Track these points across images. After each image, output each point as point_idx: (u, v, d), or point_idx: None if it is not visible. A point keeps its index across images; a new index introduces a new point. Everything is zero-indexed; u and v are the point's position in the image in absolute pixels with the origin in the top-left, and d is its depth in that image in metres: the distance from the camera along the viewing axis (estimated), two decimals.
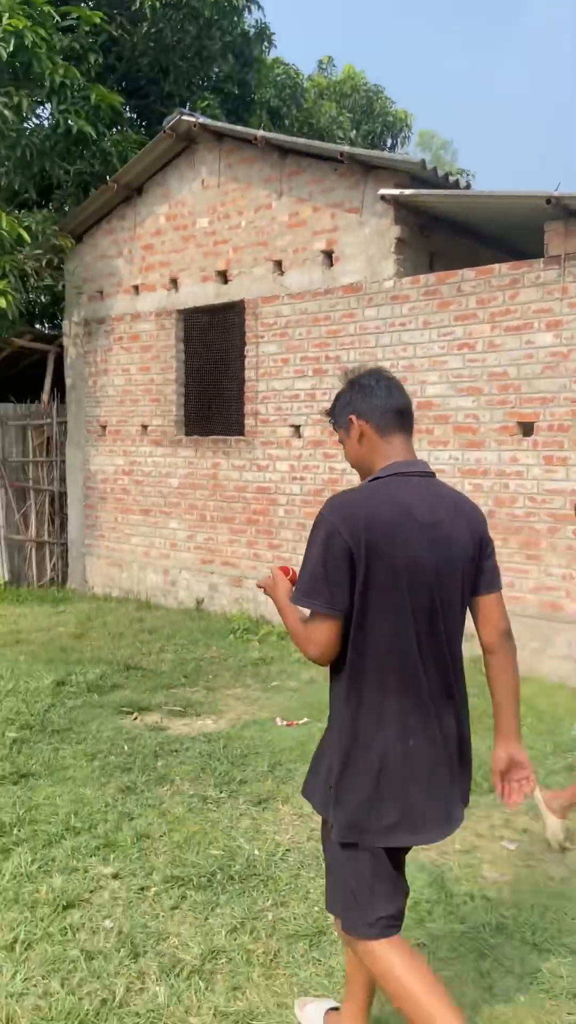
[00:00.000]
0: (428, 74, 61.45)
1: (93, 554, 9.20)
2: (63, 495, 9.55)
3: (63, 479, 9.52)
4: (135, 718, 5.05)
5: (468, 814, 3.74)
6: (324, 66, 17.12)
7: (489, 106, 60.93)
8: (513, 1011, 2.47)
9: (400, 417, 2.14)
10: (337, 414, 2.22)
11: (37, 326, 11.74)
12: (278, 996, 2.51)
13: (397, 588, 1.96)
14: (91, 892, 3.06)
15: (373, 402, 2.13)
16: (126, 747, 4.49)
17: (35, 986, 2.53)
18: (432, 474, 2.13)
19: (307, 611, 2.03)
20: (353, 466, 2.22)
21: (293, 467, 7.21)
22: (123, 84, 11.25)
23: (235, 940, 2.78)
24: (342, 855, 2.04)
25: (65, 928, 2.84)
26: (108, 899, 3.03)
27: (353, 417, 2.14)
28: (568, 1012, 2.47)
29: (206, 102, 10.69)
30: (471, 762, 2.15)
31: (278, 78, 13.21)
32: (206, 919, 2.91)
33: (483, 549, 2.09)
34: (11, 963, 2.63)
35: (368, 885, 2.01)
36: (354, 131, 15.31)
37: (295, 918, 2.90)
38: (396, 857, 2.08)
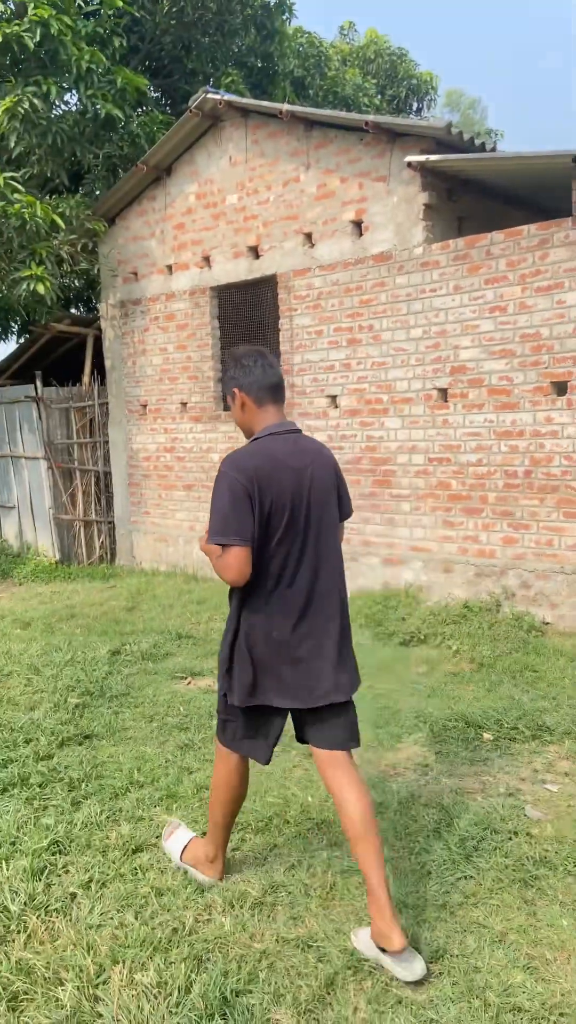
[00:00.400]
0: (453, 30, 59.86)
1: (139, 530, 9.46)
2: (108, 474, 9.82)
3: (107, 459, 9.78)
4: (188, 683, 5.28)
5: (510, 760, 3.91)
6: (346, 32, 16.95)
7: (519, 57, 59.23)
8: (557, 934, 2.63)
9: (272, 391, 2.70)
10: (224, 387, 2.79)
11: (73, 310, 11.99)
12: (335, 923, 2.71)
13: (282, 516, 2.56)
14: (157, 838, 3.29)
15: (251, 378, 2.69)
16: (182, 709, 4.72)
17: (111, 919, 2.76)
18: (298, 431, 2.73)
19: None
20: (239, 427, 2.81)
21: (331, 437, 7.33)
22: (147, 64, 11.32)
23: (293, 876, 2.98)
24: (233, 710, 2.74)
25: (135, 869, 3.07)
26: (177, 828, 3.25)
27: (236, 390, 2.71)
28: None
29: (230, 77, 10.72)
30: (350, 647, 2.74)
31: (301, 48, 13.15)
32: (265, 859, 3.11)
33: (340, 484, 2.76)
34: (88, 899, 2.87)
35: (243, 723, 2.74)
36: (379, 96, 15.16)
37: (348, 856, 3.09)
38: (270, 714, 2.72)
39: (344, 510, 2.79)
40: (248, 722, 2.74)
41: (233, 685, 2.69)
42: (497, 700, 4.64)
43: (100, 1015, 2.31)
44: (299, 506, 2.59)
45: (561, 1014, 2.30)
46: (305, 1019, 2.31)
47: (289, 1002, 2.36)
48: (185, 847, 3.05)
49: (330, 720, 2.69)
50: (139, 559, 9.48)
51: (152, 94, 11.36)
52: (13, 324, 12.30)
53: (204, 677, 5.39)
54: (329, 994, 2.40)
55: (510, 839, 3.19)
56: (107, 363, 9.66)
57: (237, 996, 2.37)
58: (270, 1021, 2.30)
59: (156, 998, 2.36)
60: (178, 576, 8.68)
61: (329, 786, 2.68)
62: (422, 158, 6.24)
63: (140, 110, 10.34)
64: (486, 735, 4.19)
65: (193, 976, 2.45)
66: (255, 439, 2.67)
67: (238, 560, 2.52)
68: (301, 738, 2.81)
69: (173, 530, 9.04)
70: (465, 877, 2.95)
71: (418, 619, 6.16)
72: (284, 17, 11.87)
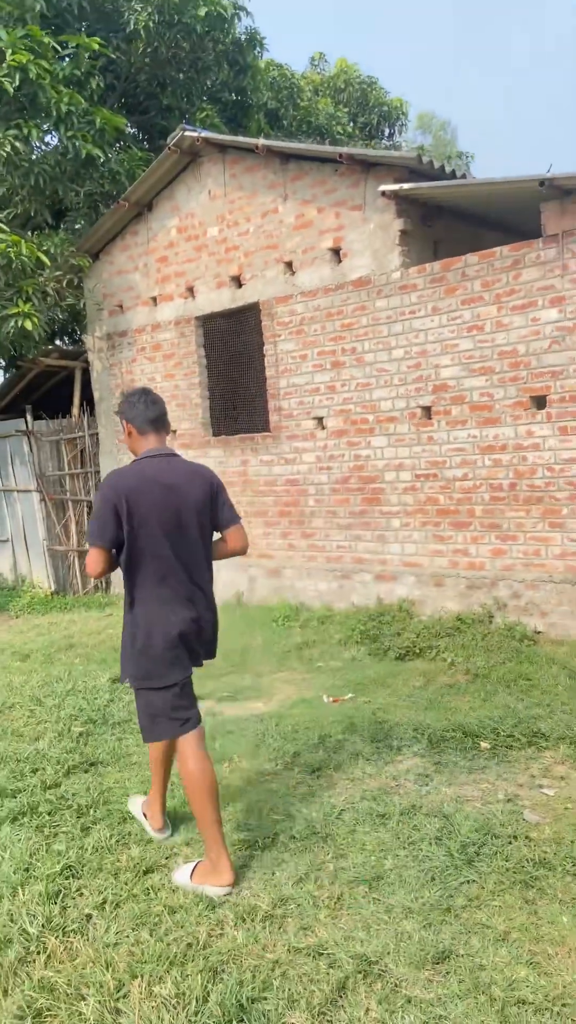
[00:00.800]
0: (423, 56, 61.12)
1: None
2: None
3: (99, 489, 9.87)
4: None
5: (507, 767, 4.01)
6: (316, 62, 17.34)
7: (488, 78, 60.44)
8: (557, 931, 2.73)
9: (153, 422, 3.29)
10: (118, 418, 3.46)
11: (57, 342, 12.15)
12: (344, 931, 2.80)
13: (150, 525, 3.11)
14: (166, 859, 3.38)
15: (134, 412, 3.29)
16: None
17: (127, 937, 2.84)
18: (174, 454, 3.29)
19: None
20: (129, 451, 3.51)
21: (319, 458, 7.48)
22: (123, 101, 11.58)
23: (301, 888, 3.07)
24: (140, 697, 3.25)
25: (147, 889, 3.15)
26: (182, 864, 3.34)
27: (124, 422, 3.34)
28: None
29: (205, 112, 10.99)
30: (215, 630, 3.37)
31: (273, 80, 13.47)
32: (273, 874, 3.20)
33: (215, 497, 3.27)
34: (103, 919, 2.95)
35: (153, 712, 3.22)
36: (351, 124, 15.51)
37: (354, 867, 3.19)
38: (183, 687, 3.22)
39: (219, 518, 3.30)
40: (164, 703, 3.19)
41: (141, 674, 3.19)
42: (493, 709, 4.75)
43: None
44: (168, 517, 3.14)
45: (564, 1004, 2.40)
46: (319, 1021, 2.39)
47: (303, 1006, 2.45)
48: (192, 872, 3.19)
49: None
50: None
51: (129, 130, 11.61)
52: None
53: (204, 700, 5.46)
54: (341, 997, 2.49)
55: (510, 843, 3.29)
56: (95, 394, 9.81)
57: (253, 1003, 2.46)
58: None
59: (175, 1008, 2.45)
60: None
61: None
62: (396, 187, 6.45)
63: (118, 146, 10.57)
64: (483, 744, 4.30)
65: (209, 986, 2.53)
66: (135, 460, 3.28)
67: (94, 557, 3.12)
68: None
69: None
70: (468, 881, 3.05)
71: (412, 633, 6.28)
72: (256, 51, 12.19)
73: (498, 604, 6.32)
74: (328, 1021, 2.40)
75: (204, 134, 7.79)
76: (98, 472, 9.87)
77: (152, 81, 11.13)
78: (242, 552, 3.39)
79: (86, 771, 4.34)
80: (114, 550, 3.14)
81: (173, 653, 3.16)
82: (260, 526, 8.10)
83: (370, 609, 7.03)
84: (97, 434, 9.81)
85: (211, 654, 3.40)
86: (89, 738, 4.80)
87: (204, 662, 3.35)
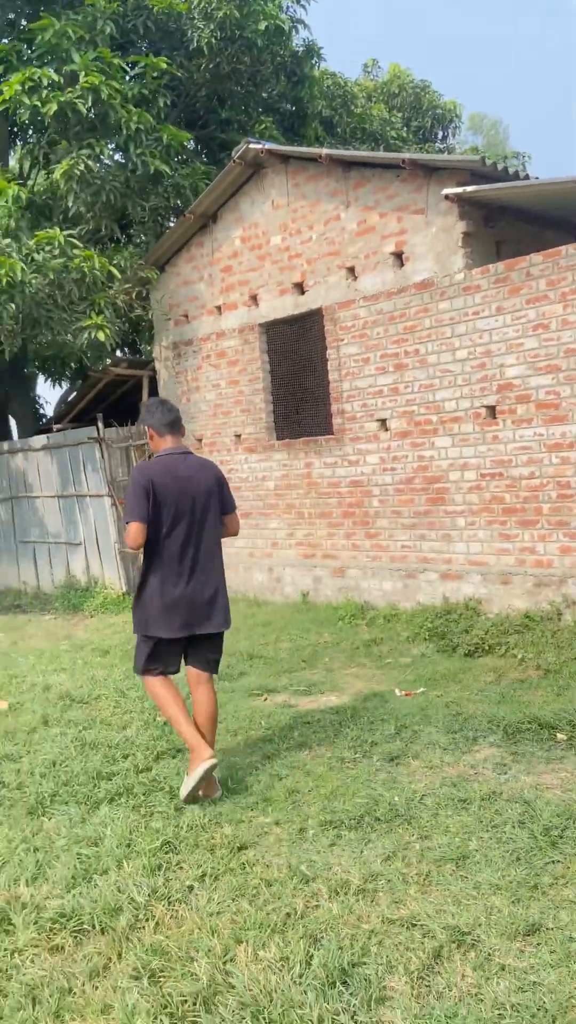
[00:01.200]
0: (474, 57, 60.71)
1: None
2: None
3: None
4: (265, 699, 5.55)
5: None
6: (369, 69, 17.50)
7: (534, 70, 59.69)
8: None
9: (169, 426, 4.05)
10: (141, 424, 4.17)
11: (118, 353, 12.52)
12: (435, 905, 2.93)
13: (169, 508, 3.89)
14: (258, 837, 3.55)
15: (154, 418, 4.07)
16: (263, 723, 4.98)
17: (228, 906, 3.02)
18: (188, 452, 4.09)
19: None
20: (152, 449, 4.17)
21: (383, 459, 7.61)
22: (183, 116, 11.91)
23: (390, 866, 3.21)
24: (139, 640, 4.07)
25: (243, 864, 3.32)
26: (273, 841, 3.51)
27: (146, 427, 4.17)
28: None
29: (263, 124, 11.23)
30: (222, 602, 4.07)
31: (327, 89, 13.67)
32: (361, 852, 3.35)
33: (221, 487, 4.10)
34: (204, 891, 3.14)
35: (147, 653, 4.04)
36: (405, 128, 15.61)
37: (440, 847, 3.31)
38: (166, 646, 4.03)
39: (225, 505, 4.11)
40: (143, 650, 4.04)
41: (138, 622, 4.02)
42: (567, 703, 4.81)
43: (233, 986, 2.56)
44: (183, 501, 3.91)
45: None
46: (418, 985, 2.53)
47: (401, 971, 2.58)
48: (186, 776, 3.93)
49: (204, 647, 4.08)
50: None
51: (190, 145, 11.93)
52: (67, 370, 12.88)
53: (279, 693, 5.65)
54: (437, 964, 2.62)
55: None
56: None
57: (353, 967, 2.61)
58: (386, 987, 2.53)
59: (281, 971, 2.61)
60: (240, 601, 8.98)
61: (192, 691, 4.09)
62: (459, 190, 6.56)
63: (180, 160, 10.88)
64: (560, 735, 4.37)
65: (312, 951, 2.69)
66: (155, 456, 4.06)
67: (134, 531, 3.82)
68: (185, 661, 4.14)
69: (232, 557, 9.35)
70: (553, 862, 3.15)
71: (481, 630, 6.36)
72: (313, 62, 12.40)
73: (567, 601, 6.35)
74: (427, 985, 2.53)
75: (268, 146, 8.01)
76: None
77: (212, 96, 11.43)
78: (234, 534, 4.26)
79: (174, 756, 4.54)
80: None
81: (164, 616, 3.92)
82: (324, 527, 8.26)
83: (436, 607, 7.12)
84: None
85: (212, 621, 4.02)
86: (172, 728, 5.01)
87: (210, 632, 4.02)
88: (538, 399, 6.45)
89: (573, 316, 6.15)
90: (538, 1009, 2.37)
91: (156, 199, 9.54)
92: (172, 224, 10.19)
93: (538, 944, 2.68)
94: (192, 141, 12.21)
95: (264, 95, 12.19)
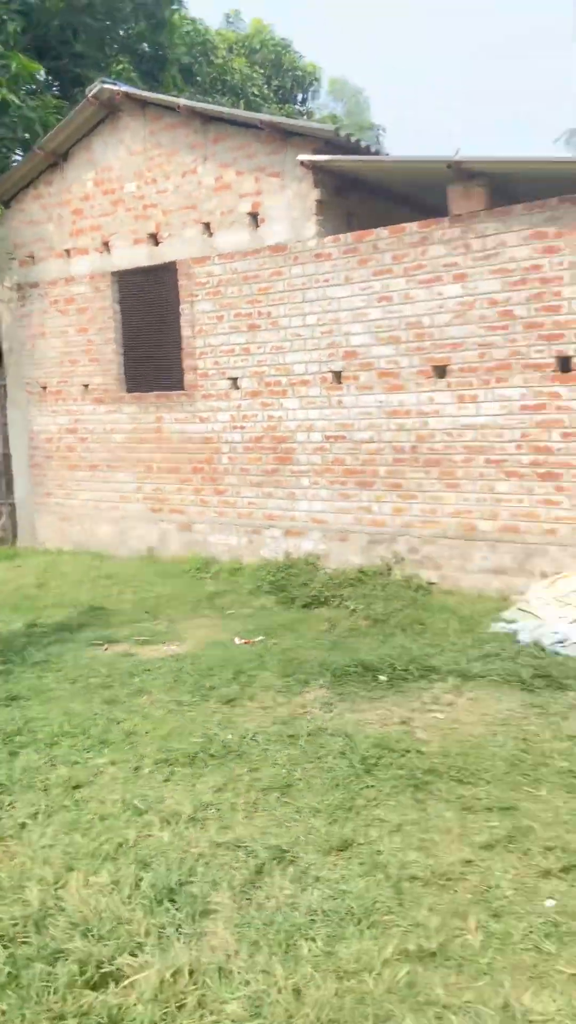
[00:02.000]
0: (336, 22, 60.75)
1: (43, 511, 9.58)
2: (7, 456, 9.86)
3: (7, 441, 9.81)
4: (106, 648, 5.60)
5: (402, 696, 4.46)
6: (231, 19, 17.19)
7: (397, 50, 60.77)
8: (443, 823, 3.18)
9: None
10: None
11: None
12: (259, 828, 3.16)
13: None
14: (94, 776, 3.65)
15: None
16: (103, 670, 5.05)
17: (61, 840, 3.11)
18: None
19: None
20: None
21: (233, 417, 7.74)
22: (33, 45, 11.25)
23: (220, 796, 3.42)
24: None
25: (77, 801, 3.42)
26: (109, 780, 3.62)
27: None
28: (485, 821, 3.19)
29: (121, 65, 10.85)
30: None
31: (187, 35, 13.34)
32: (193, 786, 3.53)
33: None
34: (38, 826, 3.21)
35: None
36: (266, 87, 15.54)
37: (267, 778, 3.55)
38: None
39: None
40: None
41: None
42: (391, 649, 5.21)
43: (63, 908, 2.67)
44: None
45: (448, 878, 2.84)
46: (240, 899, 2.75)
47: (225, 887, 2.80)
48: None
49: None
50: (43, 539, 9.60)
51: (41, 77, 11.31)
52: None
53: (120, 644, 5.72)
54: (258, 879, 2.85)
55: (403, 756, 3.73)
56: (4, 345, 9.68)
57: (181, 886, 2.79)
58: (210, 902, 2.73)
59: (111, 894, 2.75)
60: (84, 554, 8.90)
61: None
62: (313, 157, 6.70)
63: (30, 92, 10.31)
64: (381, 677, 4.74)
65: (141, 875, 2.85)
66: None
67: None
68: None
69: (78, 509, 9.23)
70: (367, 786, 3.47)
71: (318, 584, 6.69)
72: (173, 7, 12.05)
73: (397, 558, 6.80)
74: (248, 899, 2.76)
75: (124, 88, 7.79)
76: (6, 424, 9.78)
77: (66, 27, 10.87)
78: None
79: (7, 705, 4.52)
80: None
81: None
82: (173, 482, 8.31)
83: (279, 562, 7.40)
84: (5, 385, 9.70)
85: None
86: (9, 676, 4.98)
87: None
88: (379, 368, 6.78)
89: (414, 291, 6.50)
90: (346, 913, 2.65)
91: (3, 130, 9.03)
92: (19, 158, 9.68)
93: (349, 857, 2.98)
94: (43, 73, 11.59)
95: (121, 33, 11.73)
